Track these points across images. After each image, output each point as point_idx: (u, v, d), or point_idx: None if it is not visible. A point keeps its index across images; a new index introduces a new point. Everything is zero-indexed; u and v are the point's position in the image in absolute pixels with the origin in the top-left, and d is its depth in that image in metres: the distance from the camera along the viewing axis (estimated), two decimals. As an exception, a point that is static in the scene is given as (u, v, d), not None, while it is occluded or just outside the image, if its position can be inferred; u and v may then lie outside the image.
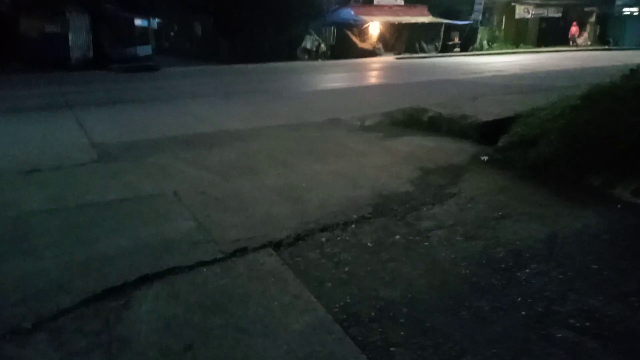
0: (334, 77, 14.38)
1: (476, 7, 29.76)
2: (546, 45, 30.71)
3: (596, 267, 2.44)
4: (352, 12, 23.68)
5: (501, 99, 7.08)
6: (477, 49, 27.59)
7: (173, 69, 16.94)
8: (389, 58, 22.27)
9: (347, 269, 2.53)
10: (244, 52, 19.60)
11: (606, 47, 32.71)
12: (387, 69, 17.23)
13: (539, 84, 9.59)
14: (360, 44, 22.83)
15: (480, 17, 29.35)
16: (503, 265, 2.51)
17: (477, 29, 28.80)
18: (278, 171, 4.31)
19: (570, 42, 31.83)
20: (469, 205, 3.42)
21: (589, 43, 35.00)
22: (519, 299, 2.18)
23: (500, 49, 28.22)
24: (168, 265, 2.56)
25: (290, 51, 21.18)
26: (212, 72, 15.75)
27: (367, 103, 8.40)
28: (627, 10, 40.49)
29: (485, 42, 28.92)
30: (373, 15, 23.88)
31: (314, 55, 21.71)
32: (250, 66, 17.62)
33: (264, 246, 2.81)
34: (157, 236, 2.94)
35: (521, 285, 2.28)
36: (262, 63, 18.56)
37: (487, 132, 5.32)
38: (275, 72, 16.03)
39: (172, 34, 29.47)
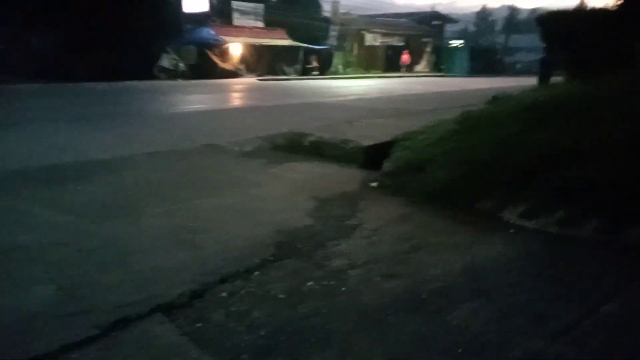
0: (198, 98, 13.69)
1: (331, 33, 31.34)
2: (392, 71, 33.52)
3: (525, 299, 2.39)
4: (213, 32, 23.09)
5: (377, 122, 7.25)
6: (333, 73, 28.92)
7: (14, 88, 14.61)
8: (252, 80, 22.13)
9: (263, 332, 2.11)
10: (96, 70, 17.72)
11: (440, 74, 36.86)
12: (252, 90, 17.02)
13: (404, 107, 10.15)
14: (222, 65, 22.31)
15: (335, 43, 30.95)
16: (432, 308, 2.32)
17: (333, 54, 30.29)
18: (162, 209, 3.69)
19: (402, 69, 34.87)
20: (375, 237, 3.24)
21: (427, 70, 39.15)
22: (460, 349, 1.99)
23: (354, 73, 29.98)
24: (23, 356, 1.88)
25: (147, 70, 19.78)
26: (62, 92, 13.85)
27: (240, 126, 8.00)
28: (453, 43, 46.56)
29: (340, 67, 30.49)
30: (233, 35, 23.58)
31: (173, 74, 20.60)
32: (104, 85, 15.98)
33: (153, 311, 2.25)
34: (7, 312, 2.20)
35: (460, 332, 2.10)
36: (116, 82, 16.97)
37: (371, 157, 5.31)
38: (133, 92, 14.74)
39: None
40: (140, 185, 4.37)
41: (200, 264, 2.76)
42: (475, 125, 4.75)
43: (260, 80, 22.10)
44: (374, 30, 35.60)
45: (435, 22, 45.92)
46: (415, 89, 17.30)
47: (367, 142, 5.61)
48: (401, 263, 2.83)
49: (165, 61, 20.75)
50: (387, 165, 4.86)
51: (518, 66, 51.33)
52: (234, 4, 25.60)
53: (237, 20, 25.45)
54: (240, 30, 24.82)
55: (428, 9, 48.36)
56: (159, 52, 20.68)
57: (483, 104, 5.67)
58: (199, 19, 24.29)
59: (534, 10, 75.04)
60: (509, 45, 57.25)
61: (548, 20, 8.39)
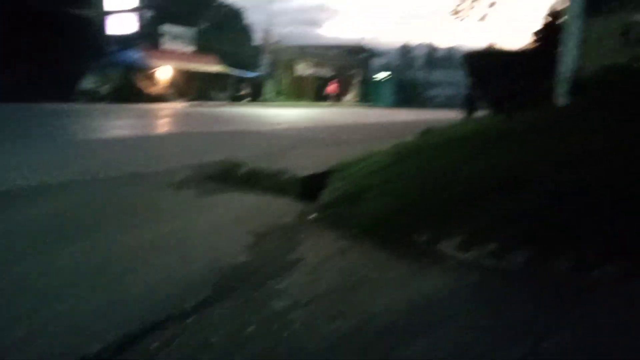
0: (122, 123, 13.04)
1: (263, 61, 31.53)
2: (322, 101, 34.25)
3: (471, 336, 2.35)
4: (140, 55, 22.36)
5: (311, 152, 7.22)
6: (265, 101, 28.97)
7: None
8: (180, 105, 21.55)
9: (200, 388, 1.90)
10: (10, 90, 16.44)
11: (367, 105, 38.24)
12: (181, 116, 16.53)
13: (337, 137, 10.25)
14: (148, 89, 21.59)
15: (267, 71, 31.15)
16: (381, 348, 2.22)
17: (264, 81, 30.44)
18: (83, 245, 3.33)
19: (329, 99, 35.81)
20: (316, 274, 3.11)
21: (355, 101, 40.40)
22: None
23: (285, 101, 30.26)
24: None
25: (67, 92, 18.65)
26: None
27: (168, 155, 7.65)
28: (379, 76, 48.63)
29: (272, 95, 30.66)
30: (162, 59, 23.01)
31: (95, 97, 19.57)
32: (19, 106, 14.79)
33: (68, 372, 1.96)
34: None
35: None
36: (33, 103, 15.79)
37: (307, 188, 5.22)
38: (50, 114, 13.77)
39: None
40: (59, 217, 3.96)
41: (125, 310, 2.48)
42: (410, 156, 4.83)
43: (190, 106, 21.59)
44: (305, 60, 36.32)
45: (362, 55, 47.83)
46: (345, 119, 17.66)
47: (303, 173, 5.52)
48: (345, 301, 2.72)
49: (87, 83, 19.71)
50: (324, 197, 4.79)
51: (438, 100, 54.44)
52: (164, 28, 25.07)
53: (167, 44, 24.90)
54: (170, 54, 24.30)
55: (353, 42, 50.33)
56: (80, 74, 19.63)
57: (415, 135, 5.83)
58: (126, 41, 23.49)
59: (450, 49, 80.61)
60: (430, 80, 60.71)
61: (472, 58, 8.93)
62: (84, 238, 3.50)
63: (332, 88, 36.69)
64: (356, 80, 43.17)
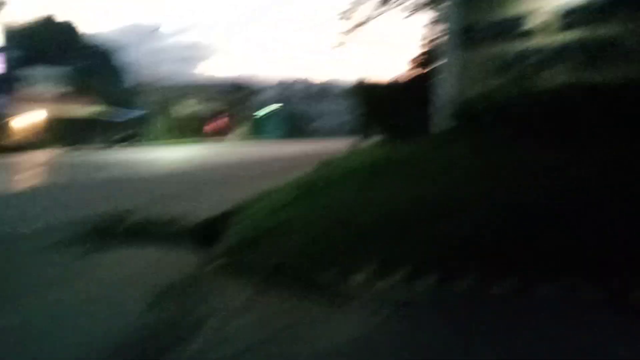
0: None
1: (145, 100, 30.21)
2: (209, 138, 33.60)
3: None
4: (3, 101, 20.15)
5: (204, 193, 6.91)
6: (149, 141, 27.62)
7: None
8: (53, 153, 19.66)
9: None
10: None
11: (256, 139, 38.34)
12: (53, 166, 15.04)
13: (231, 174, 9.98)
14: (12, 137, 19.44)
15: (149, 110, 29.84)
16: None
17: (148, 121, 29.12)
18: None
19: (214, 135, 35.38)
20: (226, 331, 2.88)
21: (242, 136, 40.30)
22: None
23: (170, 141, 29.13)
24: None
25: None
26: None
27: (39, 210, 6.82)
28: (264, 110, 49.20)
29: (156, 134, 29.34)
30: (30, 104, 20.90)
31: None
32: None
33: None
34: None
35: None
36: None
37: (204, 234, 4.93)
38: None
39: None
40: None
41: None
42: (311, 192, 4.81)
43: (64, 153, 19.80)
44: (189, 98, 35.57)
45: (245, 91, 48.17)
46: (236, 155, 17.44)
47: (198, 218, 5.22)
48: (261, 357, 2.53)
49: None
50: (224, 243, 4.55)
51: (323, 130, 56.43)
52: (32, 70, 22.96)
53: (36, 86, 22.77)
54: (40, 98, 22.19)
55: (235, 79, 50.55)
56: None
57: (312, 168, 5.86)
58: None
59: (328, 82, 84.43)
60: (313, 112, 62.87)
61: (361, 89, 9.35)
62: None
63: (216, 125, 36.27)
64: (242, 116, 43.22)
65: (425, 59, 9.12)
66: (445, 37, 7.76)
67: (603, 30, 6.28)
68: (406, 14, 12.23)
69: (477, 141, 5.18)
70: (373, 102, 8.61)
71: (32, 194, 8.92)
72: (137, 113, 29.08)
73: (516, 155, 4.77)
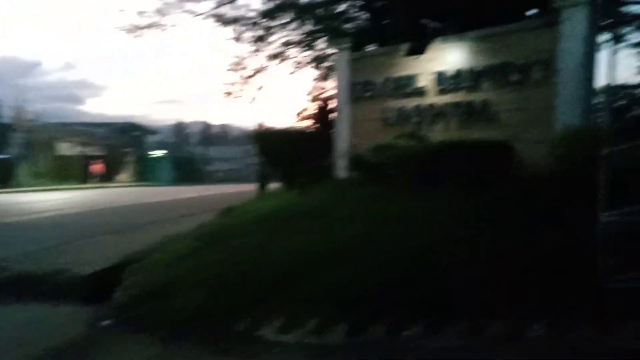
0: None
1: (15, 140, 27.26)
2: (92, 182, 31.04)
3: None
4: None
5: (92, 242, 6.29)
6: (19, 186, 24.79)
7: None
8: None
9: None
10: None
11: (144, 183, 36.22)
12: None
13: (120, 221, 9.21)
14: None
15: (20, 151, 26.90)
16: None
17: (18, 163, 26.20)
18: None
19: (94, 179, 32.89)
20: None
21: (131, 180, 37.92)
22: None
23: (46, 185, 26.39)
24: None
25: None
26: None
27: None
28: (155, 153, 47.04)
29: (28, 178, 26.44)
30: None
31: None
32: None
33: None
34: None
35: None
36: None
37: (95, 287, 4.47)
38: None
39: None
40: None
41: None
42: (215, 240, 4.62)
43: None
44: (69, 139, 32.89)
45: (134, 133, 45.95)
46: (124, 200, 16.28)
47: (87, 269, 4.73)
48: None
49: None
50: (119, 296, 4.16)
51: (217, 175, 55.40)
52: None
53: None
54: None
55: (123, 119, 48.12)
56: None
57: (214, 215, 5.64)
58: None
59: (223, 126, 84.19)
60: (207, 156, 61.71)
61: (261, 136, 9.38)
62: None
63: (97, 167, 33.84)
64: (129, 159, 40.92)
65: (322, 114, 9.49)
66: (337, 95, 8.22)
67: (473, 96, 7.21)
68: (293, 69, 12.83)
69: (375, 189, 5.47)
70: (272, 149, 8.69)
71: None
72: (8, 154, 26.17)
73: (412, 202, 5.08)
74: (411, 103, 7.80)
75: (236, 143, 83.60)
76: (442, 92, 7.54)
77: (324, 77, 12.48)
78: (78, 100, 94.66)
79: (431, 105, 7.64)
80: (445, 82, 7.52)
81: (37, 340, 3.37)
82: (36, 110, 31.26)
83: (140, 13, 11.92)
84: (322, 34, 11.65)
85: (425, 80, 7.71)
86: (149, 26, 12.22)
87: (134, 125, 47.11)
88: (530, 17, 8.63)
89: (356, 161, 6.99)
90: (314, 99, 12.06)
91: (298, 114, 12.54)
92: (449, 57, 7.46)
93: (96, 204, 14.45)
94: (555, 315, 3.13)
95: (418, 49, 7.48)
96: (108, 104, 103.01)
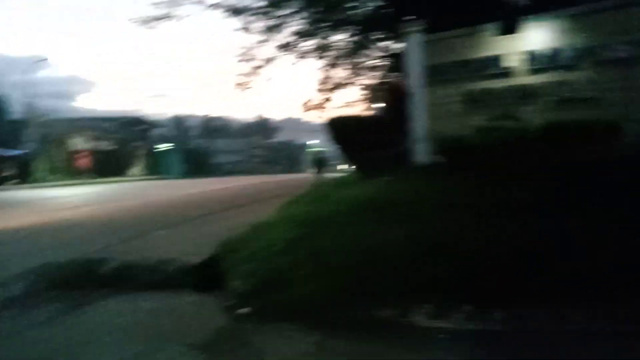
0: None
1: (29, 136, 27.10)
2: (105, 176, 30.83)
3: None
4: None
5: (169, 235, 6.26)
6: (36, 181, 24.69)
7: None
8: None
9: None
10: None
11: (158, 176, 36.05)
12: None
13: (176, 213, 9.15)
14: None
15: (35, 147, 26.74)
16: None
17: (32, 159, 26.05)
18: None
19: (84, 174, 32.26)
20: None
21: (143, 173, 37.81)
22: None
23: (63, 180, 26.30)
24: None
25: None
26: None
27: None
28: (162, 146, 46.75)
29: (43, 174, 26.33)
30: None
31: None
32: None
33: None
34: None
35: None
36: None
37: (204, 277, 4.43)
38: None
39: None
40: None
41: None
42: (314, 228, 4.57)
43: None
44: (81, 134, 32.75)
45: (140, 127, 45.75)
46: (152, 193, 16.20)
47: (191, 259, 4.70)
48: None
49: None
50: (236, 285, 4.10)
51: (226, 167, 55.22)
52: None
53: None
54: None
55: (129, 114, 47.78)
56: None
57: (307, 203, 5.61)
58: None
59: (223, 118, 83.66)
60: (213, 149, 61.49)
61: (336, 124, 9.35)
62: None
63: (83, 161, 33.35)
64: (139, 152, 40.79)
65: (393, 99, 9.32)
66: (412, 79, 8.08)
67: (571, 75, 7.03)
68: (296, 59, 12.73)
69: (467, 179, 5.35)
70: (347, 136, 8.59)
71: None
72: (22, 150, 26.03)
73: (509, 193, 4.97)
74: (497, 84, 7.59)
75: (238, 135, 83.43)
76: (535, 72, 7.33)
77: (391, 66, 12.23)
78: (68, 96, 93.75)
79: (522, 86, 7.41)
80: (539, 61, 7.30)
81: (179, 328, 3.34)
82: (40, 106, 30.81)
83: (156, 4, 11.77)
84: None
85: (513, 60, 7.50)
86: (163, 17, 12.05)
87: (138, 119, 46.86)
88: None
89: (445, 145, 6.78)
90: (386, 85, 11.76)
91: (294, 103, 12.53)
92: (543, 35, 7.23)
93: (128, 198, 14.34)
94: None
95: (509, 28, 7.21)
96: (99, 100, 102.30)
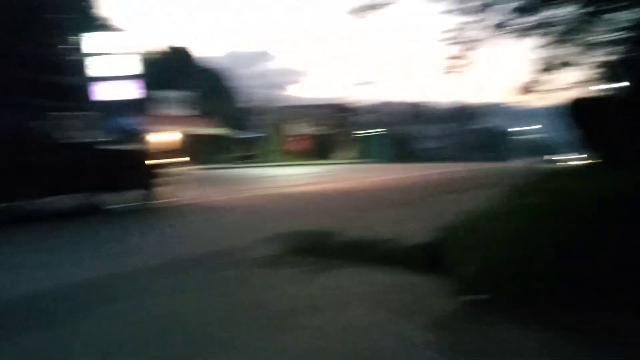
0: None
1: (258, 121, 31.33)
2: (320, 159, 33.53)
3: None
4: (137, 120, 21.74)
5: (383, 214, 6.41)
6: (265, 161, 28.36)
7: None
8: (192, 168, 20.71)
9: None
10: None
11: (367, 160, 37.53)
12: (194, 181, 15.63)
13: (385, 195, 9.46)
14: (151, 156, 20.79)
15: (263, 131, 30.85)
16: None
17: (260, 141, 30.04)
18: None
19: (299, 156, 34.48)
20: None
21: (352, 157, 40.05)
22: None
23: (285, 161, 29.61)
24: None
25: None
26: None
27: (230, 225, 6.75)
28: (371, 131, 48.40)
29: (271, 155, 30.11)
30: (162, 124, 22.39)
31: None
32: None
33: None
34: None
35: None
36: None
37: (431, 259, 4.36)
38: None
39: None
40: (160, 322, 3.00)
41: None
42: (562, 222, 4.06)
43: (202, 169, 20.77)
44: (298, 119, 36.34)
45: (348, 112, 48.17)
46: (370, 175, 16.95)
47: (412, 240, 4.68)
48: None
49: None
50: (467, 270, 3.90)
51: (431, 153, 54.60)
52: (160, 93, 24.72)
53: (163, 109, 24.46)
54: (168, 119, 23.77)
55: (337, 101, 50.66)
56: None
57: (535, 194, 5.12)
58: (121, 107, 22.91)
59: (424, 104, 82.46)
60: (419, 135, 61.21)
61: (581, 106, 8.51)
62: (225, 349, 2.56)
63: (300, 144, 36.09)
64: (346, 137, 43.21)
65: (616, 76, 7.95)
66: None
67: None
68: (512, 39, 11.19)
69: None
70: (593, 120, 7.58)
71: (198, 210, 9.05)
72: (252, 133, 30.10)
73: None
74: None
75: (441, 121, 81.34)
76: None
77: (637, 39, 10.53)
78: (280, 86, 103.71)
79: None
80: None
81: (410, 304, 3.34)
82: (262, 95, 34.97)
83: None
84: None
85: None
86: (376, 6, 12.02)
87: (346, 105, 49.22)
88: None
89: None
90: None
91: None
92: None
93: (344, 179, 15.32)
94: None
95: None
96: (307, 89, 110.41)
